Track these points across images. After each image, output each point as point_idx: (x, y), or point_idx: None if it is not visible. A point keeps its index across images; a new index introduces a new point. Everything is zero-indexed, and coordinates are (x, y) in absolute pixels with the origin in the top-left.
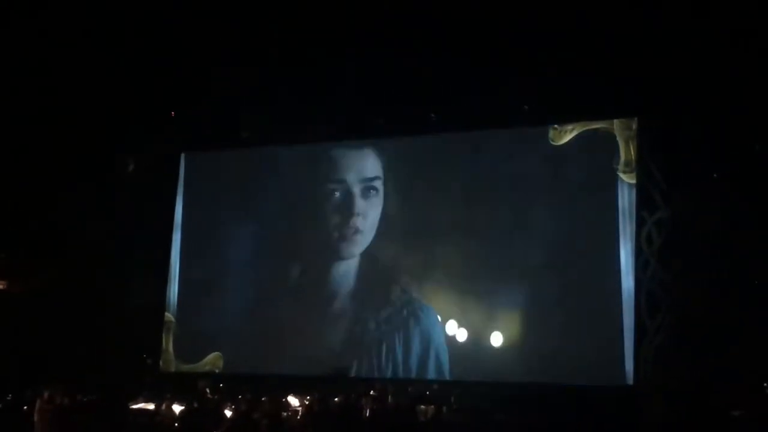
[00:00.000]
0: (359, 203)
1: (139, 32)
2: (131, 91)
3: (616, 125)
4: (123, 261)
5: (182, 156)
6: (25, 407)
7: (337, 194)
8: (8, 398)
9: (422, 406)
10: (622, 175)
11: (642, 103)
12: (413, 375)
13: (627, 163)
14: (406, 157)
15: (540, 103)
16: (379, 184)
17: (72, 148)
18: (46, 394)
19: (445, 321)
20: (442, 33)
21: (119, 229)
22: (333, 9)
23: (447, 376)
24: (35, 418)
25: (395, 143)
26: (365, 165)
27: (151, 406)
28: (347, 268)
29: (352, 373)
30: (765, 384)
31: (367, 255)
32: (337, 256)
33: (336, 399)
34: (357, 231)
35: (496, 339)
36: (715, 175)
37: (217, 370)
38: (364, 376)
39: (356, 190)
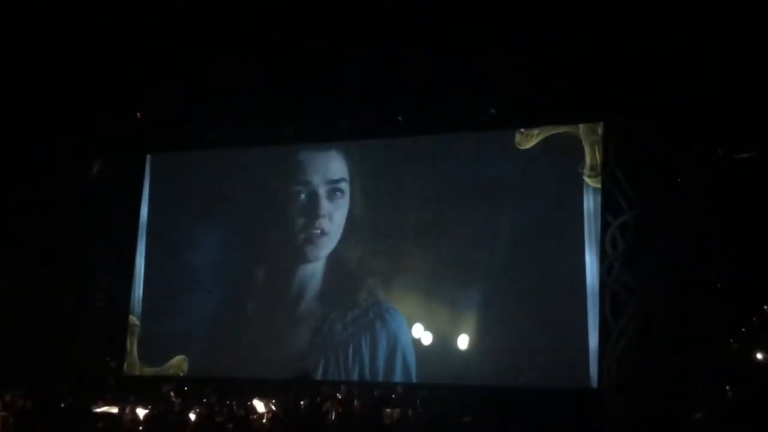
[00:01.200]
0: (325, 205)
1: (103, 33)
2: (96, 93)
3: (582, 130)
4: (87, 263)
5: (148, 157)
6: None
7: (303, 196)
8: None
9: (388, 410)
10: (587, 179)
11: (607, 107)
12: (380, 377)
13: (592, 168)
14: (372, 158)
15: (506, 107)
16: (345, 185)
17: (35, 149)
18: (7, 397)
19: (411, 323)
20: (408, 36)
21: (83, 231)
22: (299, 11)
23: (414, 379)
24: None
25: (362, 145)
26: (331, 166)
27: (114, 410)
28: (313, 271)
29: (319, 376)
30: (727, 387)
31: (334, 257)
32: (303, 258)
33: (302, 402)
34: (322, 233)
35: (463, 342)
36: (679, 180)
37: (181, 374)
38: (331, 378)
39: (322, 191)
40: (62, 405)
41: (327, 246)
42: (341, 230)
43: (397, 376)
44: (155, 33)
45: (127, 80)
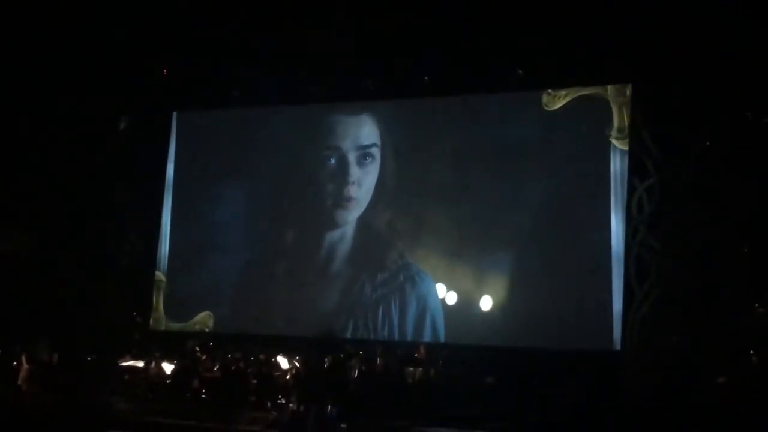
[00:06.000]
0: (354, 171)
1: None
2: (123, 50)
3: (610, 91)
4: (114, 219)
5: (174, 115)
6: (14, 363)
7: (332, 161)
8: None
9: (411, 368)
10: (614, 142)
11: (636, 69)
12: (409, 339)
13: (620, 130)
14: (403, 122)
15: (534, 68)
16: (375, 151)
17: (62, 107)
18: (35, 351)
19: (438, 284)
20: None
21: (110, 188)
22: None
23: (442, 341)
24: (22, 374)
25: (392, 109)
26: (361, 132)
27: (140, 364)
28: (342, 233)
29: (348, 335)
30: (751, 351)
31: (363, 220)
32: (332, 222)
33: (325, 360)
34: (351, 199)
35: (487, 303)
36: (707, 143)
37: (207, 330)
38: (360, 338)
39: (352, 157)
40: (88, 359)
41: (355, 211)
42: (370, 195)
43: (426, 338)
44: None
45: (153, 37)
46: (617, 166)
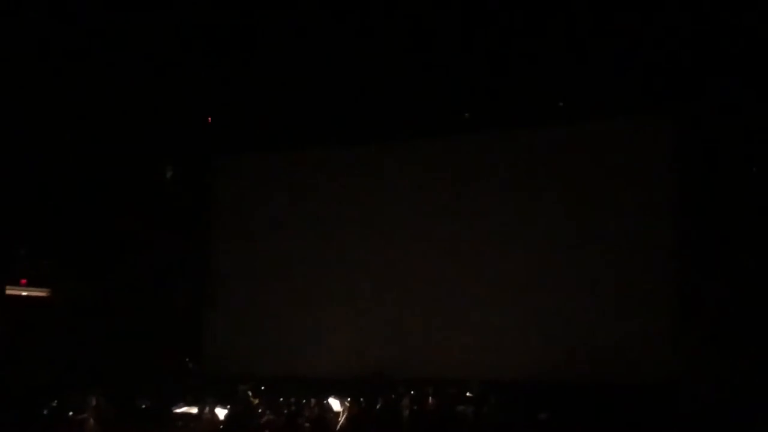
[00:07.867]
0: (402, 209)
1: (171, 36)
2: (169, 98)
3: (654, 119)
4: (164, 267)
5: (217, 160)
6: (71, 413)
7: (374, 199)
8: (54, 404)
9: (461, 407)
10: (664, 171)
11: (680, 96)
12: (460, 377)
13: (669, 159)
14: (448, 159)
15: (574, 100)
16: (421, 188)
17: (109, 155)
18: (90, 399)
19: (487, 321)
20: (473, 32)
21: (158, 234)
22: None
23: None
24: (85, 424)
25: (435, 146)
26: (411, 170)
27: (194, 410)
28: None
29: (394, 375)
30: None
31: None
32: (379, 262)
33: (377, 401)
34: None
35: (538, 338)
36: (754, 169)
37: (259, 374)
38: (409, 377)
39: (398, 197)
40: (143, 406)
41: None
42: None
43: (478, 375)
44: (224, 37)
45: (199, 84)
46: (667, 195)
